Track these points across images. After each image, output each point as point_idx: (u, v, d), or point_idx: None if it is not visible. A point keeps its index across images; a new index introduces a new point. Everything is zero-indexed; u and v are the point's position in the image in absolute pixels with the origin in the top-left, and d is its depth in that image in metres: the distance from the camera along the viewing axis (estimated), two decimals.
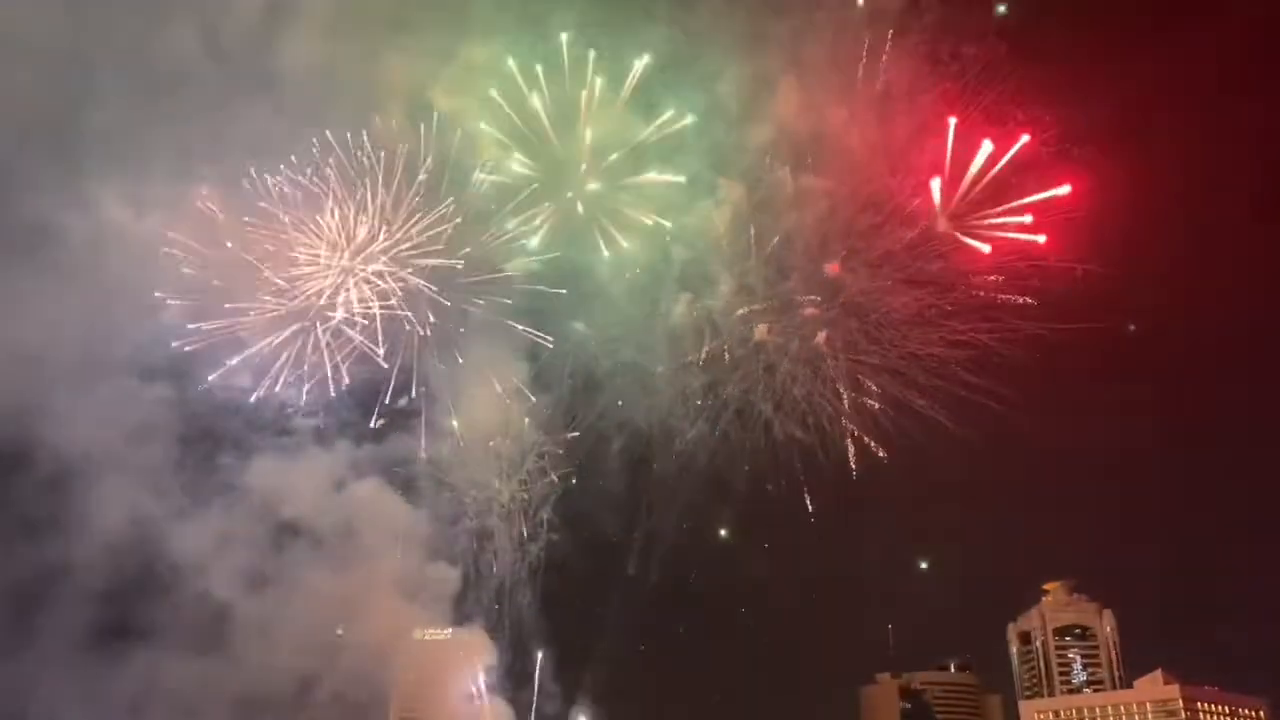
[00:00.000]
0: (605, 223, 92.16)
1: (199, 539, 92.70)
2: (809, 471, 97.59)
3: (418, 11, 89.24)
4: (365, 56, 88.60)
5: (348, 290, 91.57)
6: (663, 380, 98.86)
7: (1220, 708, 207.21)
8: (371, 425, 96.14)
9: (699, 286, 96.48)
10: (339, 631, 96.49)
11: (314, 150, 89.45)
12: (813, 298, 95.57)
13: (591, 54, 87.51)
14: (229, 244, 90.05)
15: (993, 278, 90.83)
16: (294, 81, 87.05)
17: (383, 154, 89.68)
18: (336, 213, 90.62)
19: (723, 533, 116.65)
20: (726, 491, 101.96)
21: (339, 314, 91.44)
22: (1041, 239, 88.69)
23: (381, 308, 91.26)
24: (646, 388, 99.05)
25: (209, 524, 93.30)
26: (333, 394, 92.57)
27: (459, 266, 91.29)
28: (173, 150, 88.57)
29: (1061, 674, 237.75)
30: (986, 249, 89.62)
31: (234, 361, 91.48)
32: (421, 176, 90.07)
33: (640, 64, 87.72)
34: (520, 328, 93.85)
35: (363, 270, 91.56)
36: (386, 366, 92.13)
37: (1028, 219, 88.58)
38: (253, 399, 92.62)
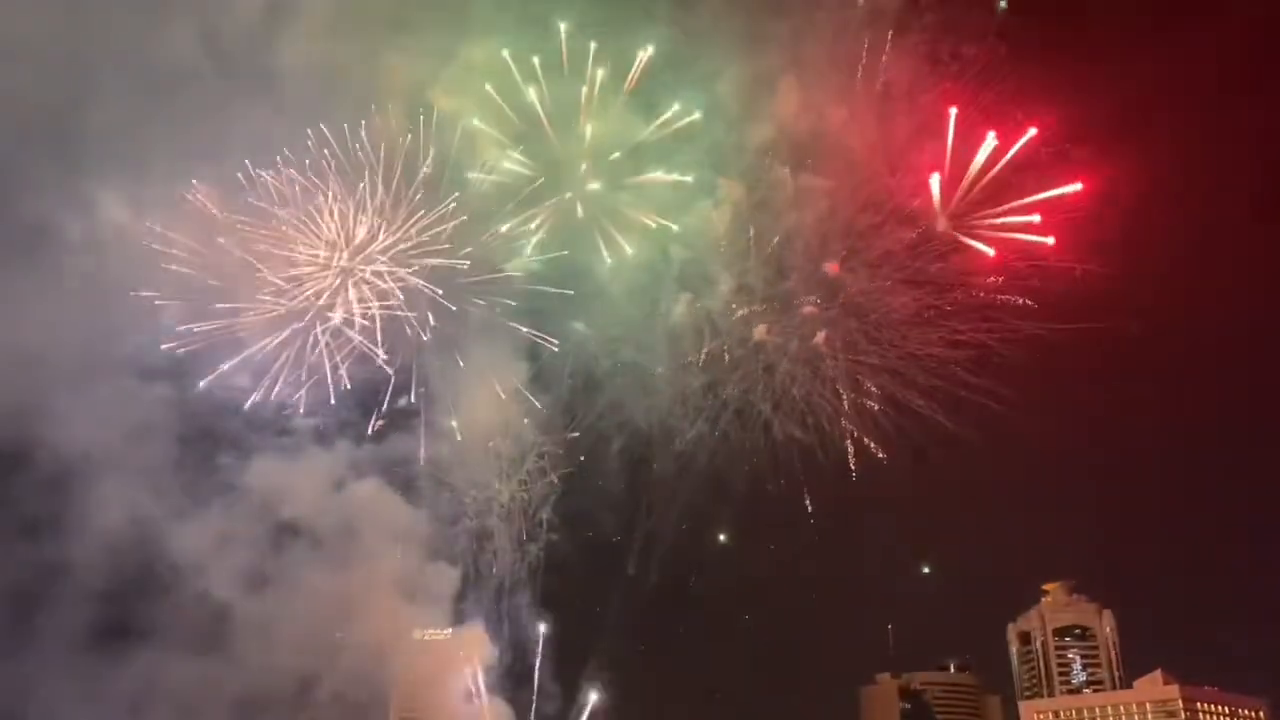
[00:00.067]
0: (606, 224, 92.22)
1: (199, 539, 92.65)
2: (808, 471, 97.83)
3: (418, 11, 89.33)
4: (365, 56, 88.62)
5: (347, 290, 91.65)
6: (662, 380, 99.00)
7: (1220, 708, 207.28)
8: (371, 426, 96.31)
9: (698, 286, 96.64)
10: (338, 635, 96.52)
11: (313, 150, 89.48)
12: (812, 298, 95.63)
13: (592, 45, 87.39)
14: (228, 244, 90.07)
15: (991, 279, 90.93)
16: (294, 81, 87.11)
17: (382, 153, 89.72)
18: (336, 212, 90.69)
19: (722, 539, 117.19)
20: (726, 492, 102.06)
21: (338, 314, 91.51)
22: (1050, 240, 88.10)
23: (381, 308, 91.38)
24: (646, 388, 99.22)
25: (209, 524, 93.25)
26: (332, 395, 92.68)
27: (459, 266, 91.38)
28: (172, 150, 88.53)
29: (1061, 674, 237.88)
30: (991, 252, 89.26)
31: (233, 362, 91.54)
32: (421, 175, 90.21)
33: (645, 54, 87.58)
34: (524, 330, 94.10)
35: (362, 270, 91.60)
36: (386, 367, 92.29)
37: (1036, 219, 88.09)
38: (252, 400, 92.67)
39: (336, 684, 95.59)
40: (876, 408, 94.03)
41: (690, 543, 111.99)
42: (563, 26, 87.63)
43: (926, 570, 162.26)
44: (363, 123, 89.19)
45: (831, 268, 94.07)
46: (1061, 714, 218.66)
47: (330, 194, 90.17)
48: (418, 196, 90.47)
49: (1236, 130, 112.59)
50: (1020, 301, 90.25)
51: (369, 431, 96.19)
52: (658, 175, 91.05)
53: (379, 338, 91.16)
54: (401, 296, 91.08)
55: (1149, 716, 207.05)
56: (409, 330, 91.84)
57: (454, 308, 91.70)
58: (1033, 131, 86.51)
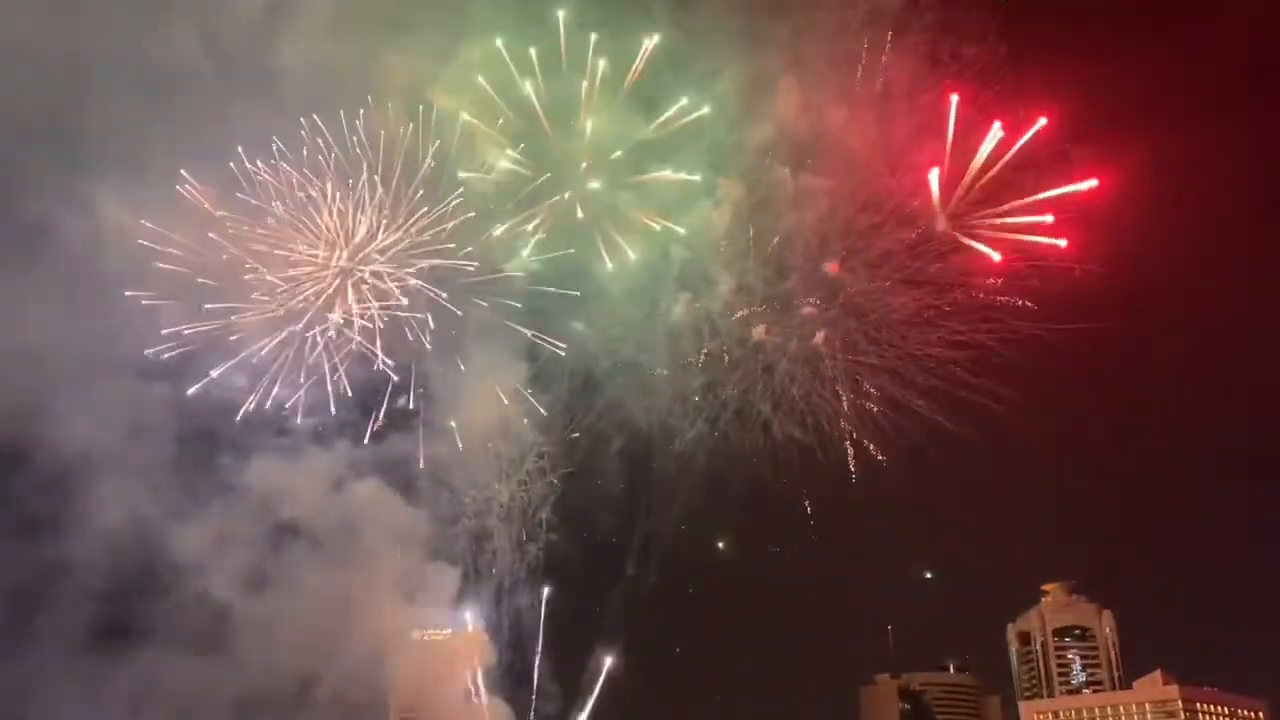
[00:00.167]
0: (607, 226, 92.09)
1: (199, 539, 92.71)
2: (808, 471, 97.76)
3: (418, 11, 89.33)
4: (365, 56, 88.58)
5: (346, 291, 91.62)
6: (662, 380, 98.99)
7: (1219, 708, 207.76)
8: (371, 427, 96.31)
9: (698, 286, 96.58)
10: (338, 635, 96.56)
11: (313, 150, 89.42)
12: (812, 298, 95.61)
13: (593, 36, 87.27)
14: (227, 245, 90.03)
15: (991, 280, 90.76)
16: (294, 81, 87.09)
17: (381, 153, 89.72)
18: (335, 212, 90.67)
19: (720, 546, 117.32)
20: (725, 492, 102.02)
21: (337, 315, 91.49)
22: (1063, 243, 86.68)
23: (380, 308, 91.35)
24: (646, 388, 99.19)
25: (209, 524, 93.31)
26: (332, 400, 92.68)
27: (458, 267, 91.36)
28: (172, 150, 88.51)
29: (1061, 675, 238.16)
30: (997, 256, 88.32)
31: (232, 363, 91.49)
32: (421, 175, 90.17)
33: (651, 42, 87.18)
34: (529, 334, 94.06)
35: (361, 271, 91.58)
36: (385, 368, 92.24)
37: (1048, 219, 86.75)
38: (251, 400, 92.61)
39: (336, 684, 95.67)
40: (876, 408, 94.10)
41: (689, 543, 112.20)
42: (561, 14, 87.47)
43: (928, 575, 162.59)
44: (362, 123, 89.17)
45: (831, 268, 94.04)
46: (1061, 714, 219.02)
47: (329, 194, 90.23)
48: (417, 196, 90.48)
49: (1237, 130, 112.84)
50: (1020, 302, 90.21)
51: (368, 432, 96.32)
52: (664, 174, 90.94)
53: (378, 339, 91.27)
54: (401, 298, 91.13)
55: (1148, 717, 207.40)
56: (408, 331, 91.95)
57: (453, 308, 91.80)
58: (1043, 121, 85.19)
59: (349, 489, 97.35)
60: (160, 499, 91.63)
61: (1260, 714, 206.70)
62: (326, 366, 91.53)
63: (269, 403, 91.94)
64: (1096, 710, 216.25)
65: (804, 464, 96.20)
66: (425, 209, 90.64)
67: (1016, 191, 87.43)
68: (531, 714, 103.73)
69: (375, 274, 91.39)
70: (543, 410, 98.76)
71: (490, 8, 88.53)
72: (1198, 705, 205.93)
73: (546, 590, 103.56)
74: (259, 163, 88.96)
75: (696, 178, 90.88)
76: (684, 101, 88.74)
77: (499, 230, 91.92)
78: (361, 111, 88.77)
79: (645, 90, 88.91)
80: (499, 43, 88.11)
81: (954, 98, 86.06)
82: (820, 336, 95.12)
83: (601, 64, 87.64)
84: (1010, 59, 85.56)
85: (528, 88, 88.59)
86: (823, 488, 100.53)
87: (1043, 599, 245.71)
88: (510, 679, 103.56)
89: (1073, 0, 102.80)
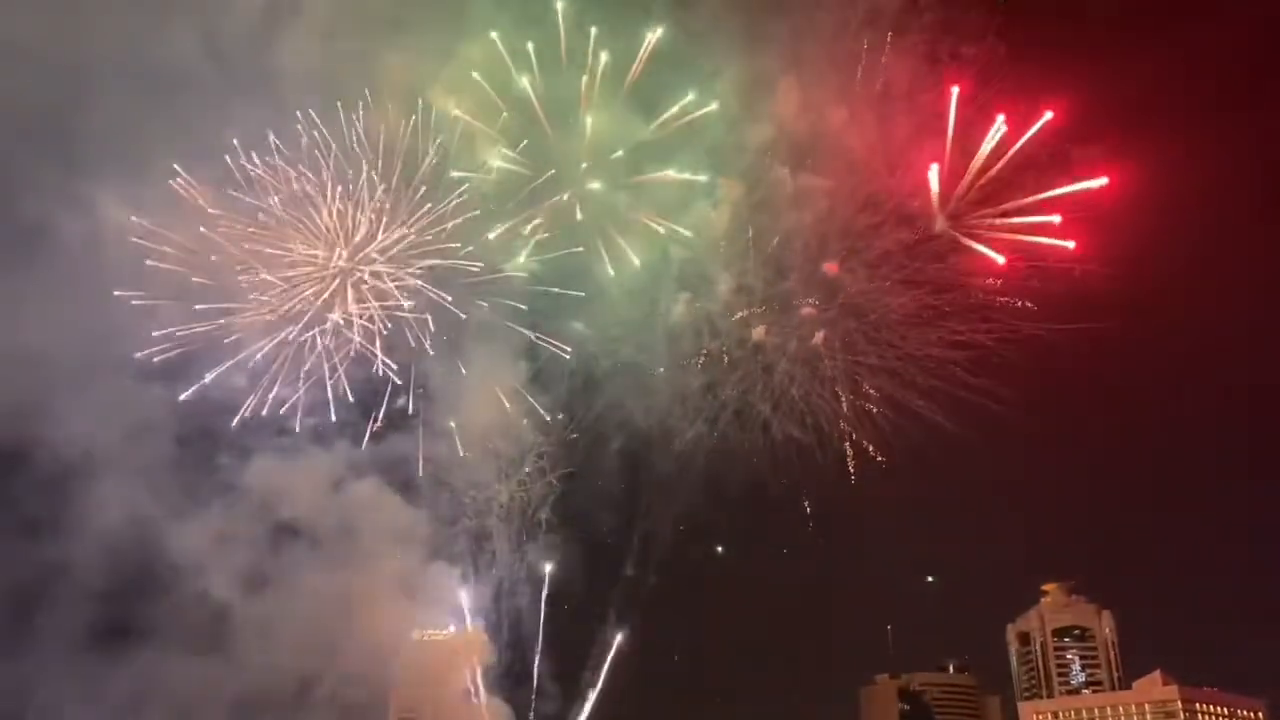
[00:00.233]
0: (607, 227, 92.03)
1: (198, 539, 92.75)
2: (807, 472, 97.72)
3: (417, 11, 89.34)
4: (364, 56, 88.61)
5: (345, 291, 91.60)
6: (661, 380, 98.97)
7: (1219, 709, 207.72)
8: (370, 427, 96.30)
9: (698, 286, 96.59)
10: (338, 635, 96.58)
11: (312, 150, 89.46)
12: (811, 299, 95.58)
13: (593, 30, 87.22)
14: (227, 245, 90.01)
15: (990, 280, 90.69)
16: (293, 81, 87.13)
17: (381, 153, 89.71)
18: (334, 213, 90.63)
19: (720, 549, 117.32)
20: (725, 492, 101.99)
21: (336, 315, 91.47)
22: (1071, 244, 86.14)
23: (380, 308, 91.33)
24: (645, 388, 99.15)
25: (208, 524, 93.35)
26: (331, 401, 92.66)
27: (458, 267, 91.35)
28: (171, 150, 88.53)
29: (1060, 675, 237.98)
30: (1001, 259, 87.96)
31: (231, 363, 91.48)
32: (420, 175, 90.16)
33: (654, 36, 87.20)
34: (533, 336, 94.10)
35: (360, 271, 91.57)
36: (385, 368, 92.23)
37: (1055, 219, 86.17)
38: (251, 401, 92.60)
39: (336, 684, 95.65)
40: (875, 409, 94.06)
41: (689, 543, 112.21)
42: (559, 6, 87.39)
43: (930, 580, 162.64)
44: (361, 122, 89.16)
45: (830, 268, 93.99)
46: (1061, 715, 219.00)
47: (329, 194, 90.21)
48: (417, 196, 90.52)
49: (1237, 130, 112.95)
50: (1020, 302, 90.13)
51: (368, 432, 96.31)
52: (668, 174, 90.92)
53: (377, 339, 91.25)
54: (401, 299, 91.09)
55: (1148, 717, 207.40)
56: (408, 331, 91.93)
57: (453, 308, 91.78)
58: (1049, 115, 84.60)
59: (349, 489, 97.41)
60: (160, 499, 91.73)
61: (1260, 714, 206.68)
62: (326, 367, 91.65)
63: (269, 403, 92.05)
64: (1096, 710, 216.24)
65: (803, 464, 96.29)
66: (425, 209, 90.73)
67: (1017, 191, 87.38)
68: (531, 714, 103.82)
69: (375, 274, 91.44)
70: (543, 410, 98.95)
71: (489, 7, 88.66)
72: (1197, 705, 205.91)
73: (546, 590, 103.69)
74: (258, 162, 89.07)
75: (700, 178, 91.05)
76: (684, 101, 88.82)
77: (499, 230, 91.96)
78: (361, 111, 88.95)
79: (645, 90, 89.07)
80: (498, 41, 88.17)
81: (954, 90, 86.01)
82: (820, 337, 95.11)
83: (603, 56, 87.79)
84: (1010, 59, 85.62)
85: (527, 86, 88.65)
86: (822, 488, 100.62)
87: (1042, 599, 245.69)
88: (510, 679, 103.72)
89: (1072, 0, 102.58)
